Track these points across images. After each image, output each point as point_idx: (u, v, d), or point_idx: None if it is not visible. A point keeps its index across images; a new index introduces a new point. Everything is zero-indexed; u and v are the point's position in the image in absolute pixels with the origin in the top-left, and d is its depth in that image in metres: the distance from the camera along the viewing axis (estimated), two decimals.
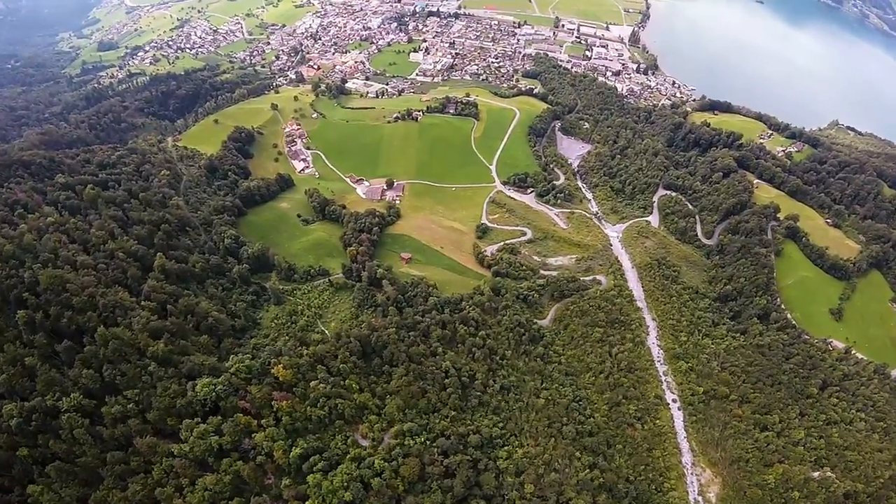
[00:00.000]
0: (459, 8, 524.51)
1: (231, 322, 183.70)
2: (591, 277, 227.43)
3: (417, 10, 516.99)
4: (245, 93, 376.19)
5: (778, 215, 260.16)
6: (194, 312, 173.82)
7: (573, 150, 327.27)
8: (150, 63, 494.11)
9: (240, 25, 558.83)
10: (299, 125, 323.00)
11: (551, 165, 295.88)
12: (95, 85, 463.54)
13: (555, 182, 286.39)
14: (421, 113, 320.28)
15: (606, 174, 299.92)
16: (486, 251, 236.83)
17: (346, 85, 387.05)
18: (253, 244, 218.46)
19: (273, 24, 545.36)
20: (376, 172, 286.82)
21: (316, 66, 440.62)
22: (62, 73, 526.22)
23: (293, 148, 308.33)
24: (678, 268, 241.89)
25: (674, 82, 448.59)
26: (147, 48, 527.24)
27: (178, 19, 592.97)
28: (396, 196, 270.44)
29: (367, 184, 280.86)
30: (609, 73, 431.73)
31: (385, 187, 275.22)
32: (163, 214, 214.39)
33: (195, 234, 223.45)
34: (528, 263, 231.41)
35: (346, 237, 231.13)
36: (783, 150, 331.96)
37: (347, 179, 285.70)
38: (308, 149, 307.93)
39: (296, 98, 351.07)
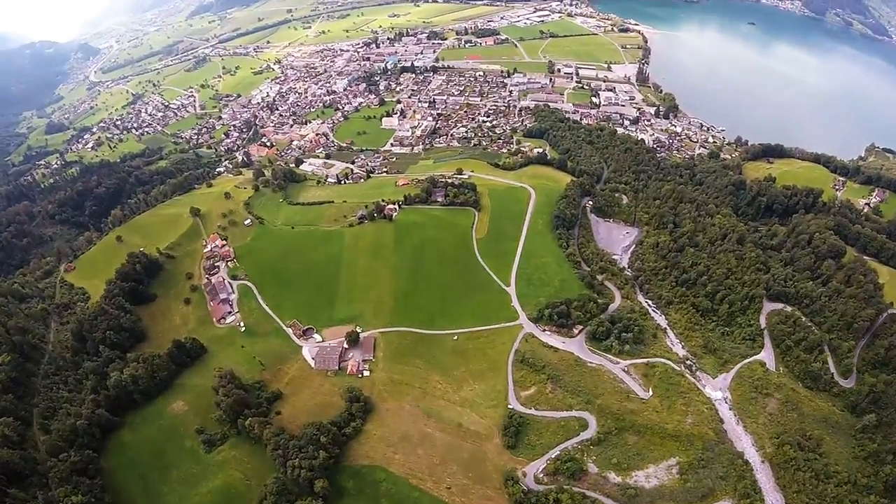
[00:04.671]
0: (437, 61, 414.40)
1: None
2: None
3: (389, 67, 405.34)
4: (168, 190, 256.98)
5: None
6: None
7: (615, 238, 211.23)
8: (93, 148, 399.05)
9: (193, 99, 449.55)
10: (225, 240, 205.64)
11: (599, 278, 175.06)
12: (27, 179, 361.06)
13: (610, 305, 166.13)
14: (396, 207, 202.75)
15: (678, 280, 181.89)
16: (526, 479, 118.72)
17: (302, 167, 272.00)
18: None
19: (228, 95, 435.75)
20: (334, 315, 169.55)
21: (269, 143, 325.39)
22: (6, 161, 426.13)
23: (213, 279, 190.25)
24: (819, 442, 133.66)
25: (701, 125, 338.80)
26: (95, 129, 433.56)
27: (133, 94, 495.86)
28: (364, 361, 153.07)
29: (317, 339, 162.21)
30: (626, 122, 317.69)
31: (346, 345, 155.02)
32: None
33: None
34: (601, 497, 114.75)
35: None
36: (866, 203, 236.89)
37: (289, 331, 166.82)
38: (234, 278, 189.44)
39: (227, 195, 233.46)
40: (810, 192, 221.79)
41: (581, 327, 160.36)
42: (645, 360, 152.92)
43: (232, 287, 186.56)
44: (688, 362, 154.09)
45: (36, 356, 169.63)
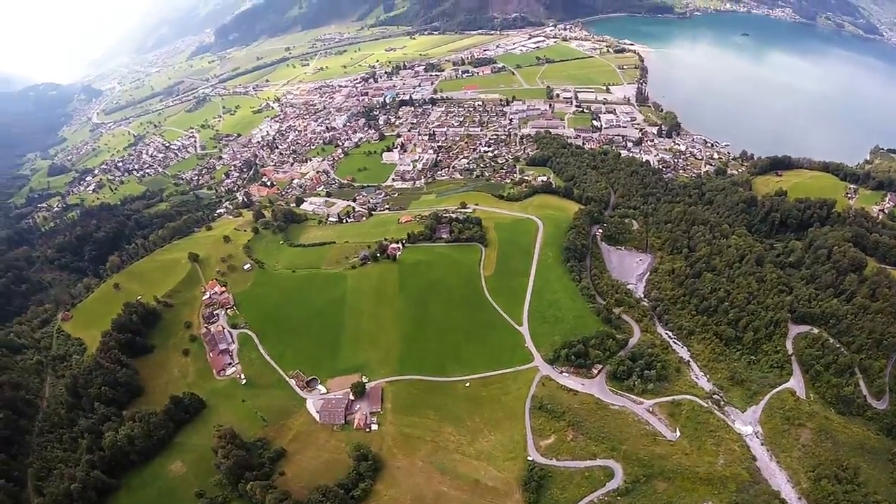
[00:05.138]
0: (435, 93, 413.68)
1: None
2: None
3: (388, 102, 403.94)
4: (166, 234, 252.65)
5: None
6: None
7: (629, 267, 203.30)
8: (94, 190, 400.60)
9: (193, 139, 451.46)
10: (224, 286, 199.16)
11: (616, 311, 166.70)
12: (28, 222, 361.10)
13: (629, 340, 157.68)
14: (400, 245, 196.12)
15: (698, 308, 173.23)
16: None
17: (302, 206, 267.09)
18: None
19: (228, 135, 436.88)
20: (338, 364, 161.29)
21: (269, 183, 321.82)
22: (9, 203, 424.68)
23: (213, 328, 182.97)
24: (857, 471, 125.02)
25: (705, 141, 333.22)
26: (96, 171, 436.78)
27: (134, 136, 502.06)
28: (372, 413, 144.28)
29: (322, 391, 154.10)
30: (629, 144, 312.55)
31: (352, 397, 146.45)
32: None
33: None
34: None
35: None
36: (880, 210, 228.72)
37: (292, 382, 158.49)
38: (234, 327, 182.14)
39: (227, 238, 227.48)
40: (824, 204, 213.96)
41: (600, 367, 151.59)
42: (670, 399, 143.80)
43: (232, 336, 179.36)
44: (715, 397, 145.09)
45: (30, 412, 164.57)
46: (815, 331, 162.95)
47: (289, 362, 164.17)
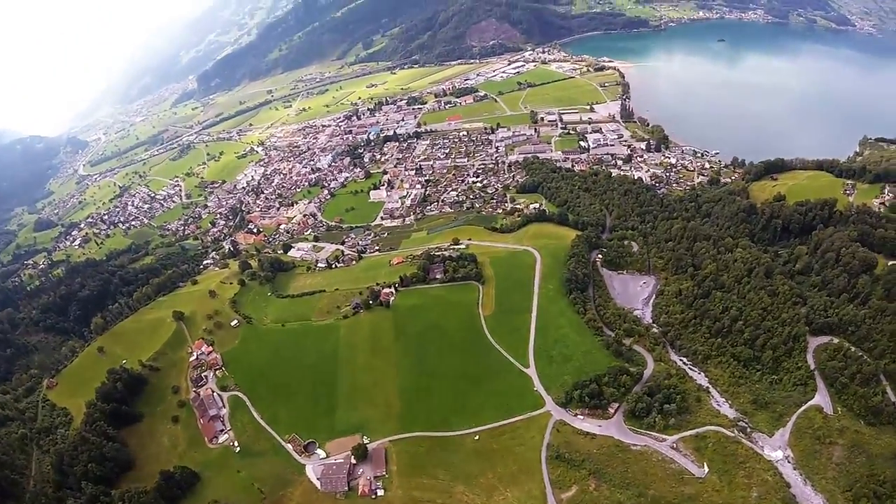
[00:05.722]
0: (419, 126, 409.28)
1: None
2: None
3: (372, 138, 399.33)
4: (151, 292, 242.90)
5: None
6: None
7: (633, 292, 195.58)
8: (80, 245, 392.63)
9: (179, 188, 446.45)
10: (211, 345, 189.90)
11: (627, 343, 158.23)
12: (14, 281, 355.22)
13: (644, 373, 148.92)
14: (393, 290, 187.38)
15: (711, 330, 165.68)
16: None
17: (290, 253, 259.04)
18: None
19: (213, 182, 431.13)
20: (336, 424, 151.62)
21: (256, 230, 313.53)
22: None
23: (202, 392, 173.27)
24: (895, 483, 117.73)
25: (694, 152, 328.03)
26: (82, 225, 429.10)
27: (119, 187, 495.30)
28: (376, 477, 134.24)
29: (321, 455, 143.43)
30: (619, 162, 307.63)
31: (354, 460, 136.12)
32: None
33: None
34: None
35: None
36: (881, 203, 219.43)
37: (289, 447, 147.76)
38: (224, 389, 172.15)
39: (212, 293, 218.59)
40: (825, 204, 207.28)
41: (616, 405, 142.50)
42: (693, 432, 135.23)
43: (222, 400, 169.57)
44: (740, 424, 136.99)
45: (17, 492, 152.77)
46: (835, 341, 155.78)
47: (284, 425, 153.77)
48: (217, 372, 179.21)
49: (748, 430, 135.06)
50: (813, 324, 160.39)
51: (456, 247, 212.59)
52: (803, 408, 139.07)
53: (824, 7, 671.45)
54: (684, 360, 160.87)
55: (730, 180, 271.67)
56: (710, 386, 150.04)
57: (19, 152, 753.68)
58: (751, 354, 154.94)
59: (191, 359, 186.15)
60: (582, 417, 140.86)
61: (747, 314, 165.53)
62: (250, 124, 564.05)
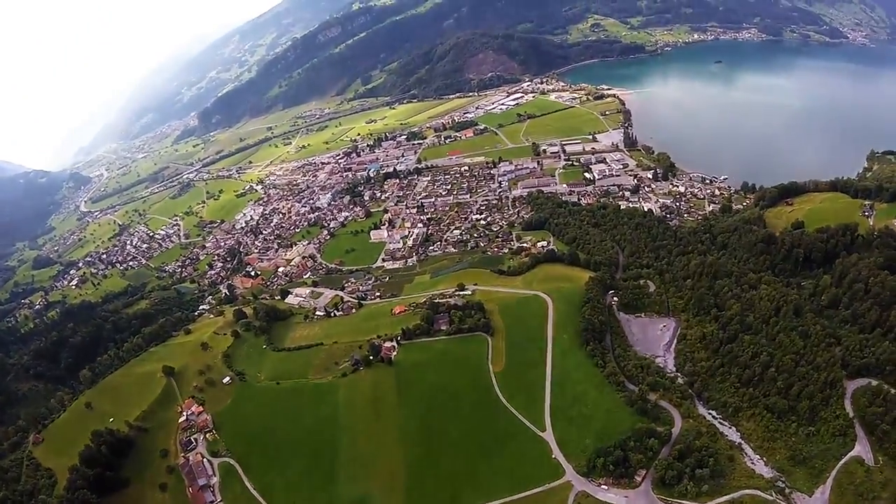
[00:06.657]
0: (419, 162, 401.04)
1: None
2: None
3: (371, 175, 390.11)
4: (142, 342, 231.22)
5: None
6: None
7: (652, 337, 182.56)
8: (77, 285, 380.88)
9: (177, 227, 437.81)
10: (202, 405, 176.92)
11: (652, 398, 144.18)
12: (8, 322, 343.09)
13: (672, 432, 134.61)
14: (394, 344, 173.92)
15: (741, 379, 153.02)
16: None
17: (287, 299, 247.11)
18: None
19: (212, 222, 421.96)
20: (335, 498, 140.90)
21: (254, 273, 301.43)
22: None
23: (191, 457, 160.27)
24: None
25: (703, 178, 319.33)
26: (81, 264, 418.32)
27: (119, 225, 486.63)
28: None
29: None
30: (626, 193, 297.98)
31: None
32: None
33: None
34: None
35: None
36: None
37: None
38: (215, 454, 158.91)
39: (205, 346, 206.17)
40: (846, 229, 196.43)
41: (644, 472, 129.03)
42: (728, 498, 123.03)
43: (213, 468, 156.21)
44: (778, 485, 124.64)
45: None
46: (874, 383, 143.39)
47: (279, 497, 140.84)
48: (208, 435, 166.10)
49: (786, 490, 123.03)
50: (849, 366, 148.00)
51: (461, 293, 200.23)
52: (843, 461, 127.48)
53: (816, 21, 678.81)
54: (713, 413, 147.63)
55: (742, 206, 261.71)
56: (742, 441, 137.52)
57: (22, 186, 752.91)
58: (786, 405, 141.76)
59: (180, 419, 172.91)
60: (606, 488, 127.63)
61: (779, 360, 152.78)
62: (250, 162, 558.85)
